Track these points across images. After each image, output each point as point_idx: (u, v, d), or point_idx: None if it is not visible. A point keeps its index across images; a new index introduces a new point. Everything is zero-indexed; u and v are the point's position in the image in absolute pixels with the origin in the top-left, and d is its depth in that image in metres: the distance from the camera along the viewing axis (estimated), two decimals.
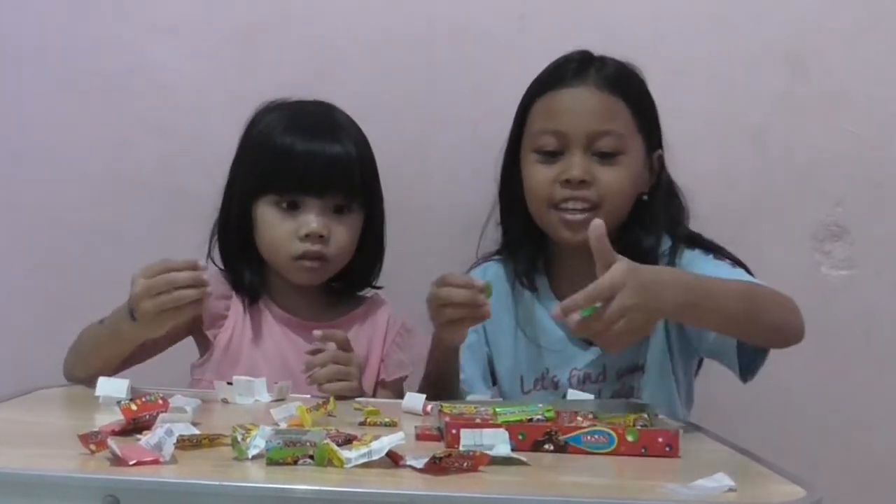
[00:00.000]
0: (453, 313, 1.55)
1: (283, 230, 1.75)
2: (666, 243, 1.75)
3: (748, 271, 1.67)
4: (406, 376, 1.84)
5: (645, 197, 1.76)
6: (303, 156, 1.73)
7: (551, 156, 1.72)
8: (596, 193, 1.69)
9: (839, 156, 2.10)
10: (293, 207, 1.75)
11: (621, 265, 1.34)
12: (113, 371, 1.61)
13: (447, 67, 2.10)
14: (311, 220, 1.74)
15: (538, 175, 1.73)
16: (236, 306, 1.80)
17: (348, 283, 1.86)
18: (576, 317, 1.33)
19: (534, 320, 1.81)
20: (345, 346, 1.67)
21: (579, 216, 1.69)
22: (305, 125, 1.77)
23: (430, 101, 2.11)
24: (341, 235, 1.77)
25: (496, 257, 1.89)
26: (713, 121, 2.07)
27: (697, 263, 1.69)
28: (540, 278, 1.82)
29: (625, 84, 1.74)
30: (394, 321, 1.87)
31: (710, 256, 1.71)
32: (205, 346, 1.80)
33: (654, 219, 1.75)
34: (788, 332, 1.55)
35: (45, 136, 2.13)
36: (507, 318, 1.83)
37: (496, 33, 2.10)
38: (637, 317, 1.33)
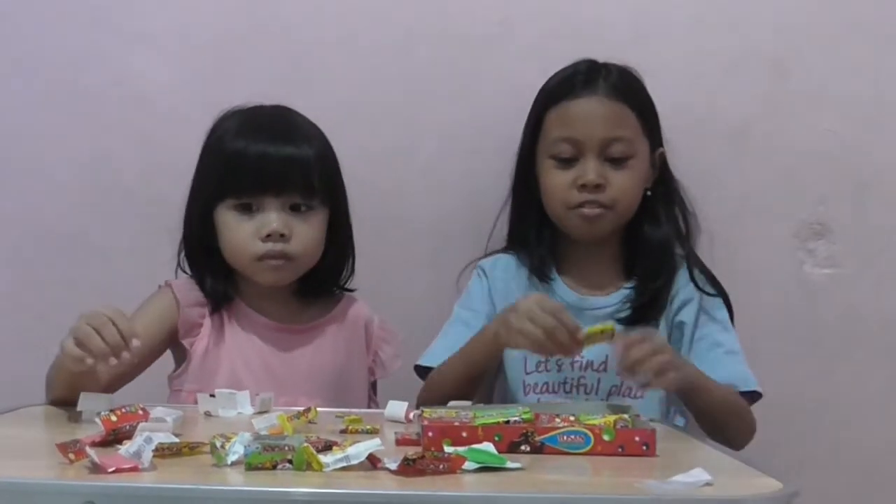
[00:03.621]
0: (534, 333, 1.61)
1: (244, 232, 1.75)
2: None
3: (726, 299, 1.88)
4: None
5: (648, 192, 1.89)
6: (256, 157, 1.74)
7: (567, 162, 1.84)
8: (609, 196, 1.83)
9: (821, 155, 2.11)
10: (251, 209, 1.75)
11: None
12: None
13: (427, 74, 2.10)
14: (271, 219, 1.74)
15: (556, 180, 1.85)
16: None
17: (317, 283, 1.85)
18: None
19: None
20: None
21: (596, 210, 1.83)
22: (260, 128, 1.77)
23: (410, 108, 2.10)
24: (304, 234, 1.76)
25: (504, 252, 1.94)
26: (694, 121, 2.07)
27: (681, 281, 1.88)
28: (551, 271, 1.91)
29: (631, 91, 1.87)
30: (370, 318, 1.88)
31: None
32: (181, 356, 1.80)
33: (657, 211, 1.90)
34: (738, 440, 1.76)
35: (24, 147, 2.12)
36: None
37: (475, 39, 2.10)
38: (671, 372, 1.59)
